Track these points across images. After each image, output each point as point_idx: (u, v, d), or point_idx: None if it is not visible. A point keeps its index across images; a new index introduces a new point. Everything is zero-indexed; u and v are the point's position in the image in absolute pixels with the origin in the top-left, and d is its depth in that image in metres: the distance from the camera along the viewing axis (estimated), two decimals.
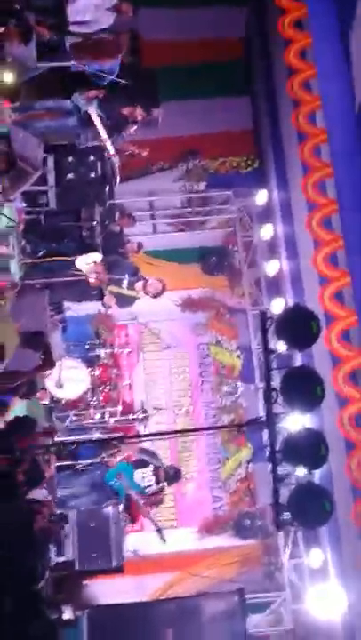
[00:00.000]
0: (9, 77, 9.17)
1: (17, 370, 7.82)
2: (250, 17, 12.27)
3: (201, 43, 12.19)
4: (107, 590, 10.75)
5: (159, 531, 9.94)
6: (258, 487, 10.41)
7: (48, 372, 9.38)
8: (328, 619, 9.54)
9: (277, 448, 6.65)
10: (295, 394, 6.35)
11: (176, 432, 11.37)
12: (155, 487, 9.90)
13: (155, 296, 10.33)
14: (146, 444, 10.46)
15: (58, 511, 9.92)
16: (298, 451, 6.37)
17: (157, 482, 9.89)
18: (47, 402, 10.54)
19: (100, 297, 10.33)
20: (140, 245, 11.13)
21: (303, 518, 6.52)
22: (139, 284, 10.28)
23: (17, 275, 9.56)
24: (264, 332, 6.79)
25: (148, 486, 9.87)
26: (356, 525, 8.79)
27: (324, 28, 9.16)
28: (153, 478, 9.87)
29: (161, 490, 9.95)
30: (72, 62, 10.27)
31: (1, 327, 7.77)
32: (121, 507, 9.92)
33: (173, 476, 10.22)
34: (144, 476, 9.83)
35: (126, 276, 10.31)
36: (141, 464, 10.02)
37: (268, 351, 6.82)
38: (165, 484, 10.08)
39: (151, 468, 9.93)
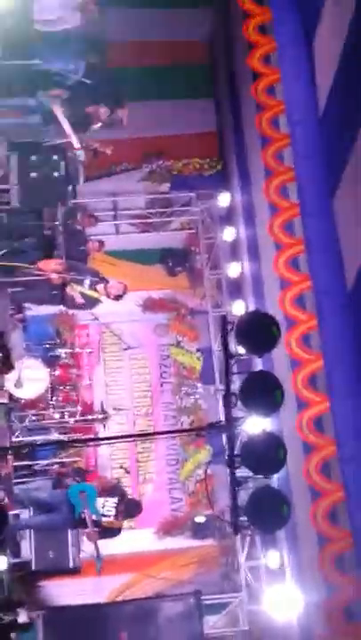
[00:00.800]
0: None
1: None
2: (215, 20, 12.31)
3: (166, 44, 12.24)
4: (63, 591, 10.72)
5: (98, 557, 9.77)
6: (216, 489, 10.41)
7: (5, 374, 9.32)
8: (285, 620, 9.59)
9: (236, 452, 6.67)
10: (255, 398, 6.36)
11: (136, 435, 11.37)
12: (112, 519, 9.77)
13: (116, 298, 10.32)
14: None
15: (15, 511, 9.89)
16: (256, 455, 6.39)
17: (116, 516, 9.77)
18: (6, 401, 10.46)
19: (62, 299, 10.29)
20: (101, 244, 11.12)
21: (261, 523, 6.54)
22: (100, 286, 10.26)
23: None
24: (224, 336, 6.81)
25: (106, 516, 9.75)
26: (314, 527, 8.85)
27: (288, 33, 9.20)
28: (113, 511, 9.79)
29: (118, 527, 9.83)
30: (36, 60, 10.25)
31: None
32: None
33: (133, 511, 10.10)
34: (105, 505, 9.73)
35: (88, 277, 10.29)
36: (105, 493, 9.91)
37: (228, 355, 6.84)
38: (123, 520, 9.96)
39: (115, 500, 9.81)
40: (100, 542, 9.53)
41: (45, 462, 10.87)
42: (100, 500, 9.60)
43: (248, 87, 10.31)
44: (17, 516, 9.81)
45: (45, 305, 11.03)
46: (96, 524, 9.44)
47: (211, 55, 12.66)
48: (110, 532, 9.73)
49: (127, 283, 10.54)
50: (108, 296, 10.25)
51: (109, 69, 11.46)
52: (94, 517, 9.45)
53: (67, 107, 10.45)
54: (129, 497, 10.11)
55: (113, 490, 10.00)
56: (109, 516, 9.60)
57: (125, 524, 10.41)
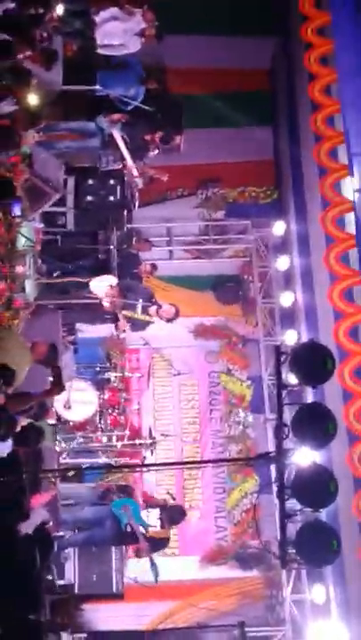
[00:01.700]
0: (33, 100, 9.18)
1: (27, 393, 7.77)
2: (277, 49, 12.31)
3: (226, 71, 12.23)
4: (105, 616, 10.67)
5: (153, 565, 9.80)
6: (262, 520, 10.30)
7: (56, 396, 9.34)
8: None
9: (286, 484, 6.59)
10: (307, 431, 6.28)
11: (184, 463, 11.31)
12: (158, 529, 9.82)
13: (168, 320, 10.32)
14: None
15: (60, 533, 9.88)
16: (308, 487, 6.30)
17: (162, 525, 9.81)
18: (53, 421, 10.49)
19: (114, 320, 10.33)
20: (154, 267, 11.15)
21: (310, 557, 6.43)
22: (152, 309, 10.27)
23: (32, 295, 9.57)
24: (278, 366, 6.75)
25: (151, 526, 9.79)
26: None
27: (349, 65, 9.21)
28: (158, 522, 9.83)
29: (166, 536, 9.87)
30: (97, 86, 10.37)
31: (15, 352, 7.72)
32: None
33: (177, 517, 10.11)
34: (148, 517, 9.78)
35: (140, 300, 10.31)
36: (148, 506, 9.95)
37: (281, 386, 6.77)
38: (170, 529, 9.99)
39: (157, 510, 9.86)
40: (145, 568, 9.52)
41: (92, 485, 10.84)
42: (142, 513, 9.63)
43: (307, 117, 10.31)
44: (61, 537, 9.80)
45: (98, 325, 11.05)
46: (143, 535, 9.45)
47: (271, 83, 12.65)
48: (159, 542, 9.81)
49: (180, 307, 10.53)
50: (161, 319, 10.26)
51: (168, 95, 11.52)
52: (141, 529, 9.47)
53: (125, 132, 10.54)
54: (170, 504, 10.07)
55: (154, 502, 9.97)
56: (155, 526, 9.62)
57: (168, 551, 10.43)
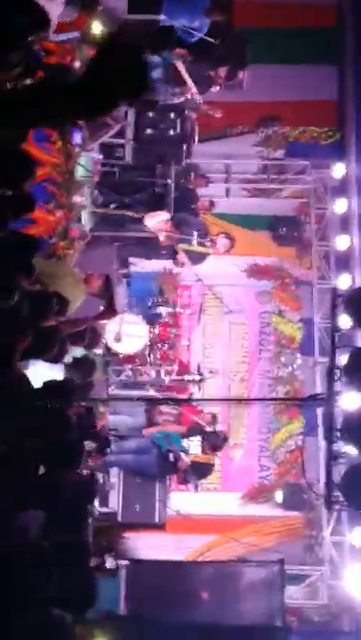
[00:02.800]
0: (98, 28, 9.07)
1: (78, 317, 7.79)
2: None
3: (293, 6, 11.92)
4: (146, 545, 10.87)
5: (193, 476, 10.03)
6: (307, 461, 10.35)
7: (108, 320, 9.37)
8: None
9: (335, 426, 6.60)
10: (360, 374, 6.27)
11: (232, 399, 11.39)
12: (200, 454, 9.97)
13: (226, 251, 10.29)
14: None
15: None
16: (356, 430, 6.31)
17: (203, 451, 9.96)
18: (101, 352, 10.57)
19: (172, 255, 10.33)
20: (211, 203, 11.11)
21: (355, 499, 6.47)
22: (208, 240, 10.28)
23: (87, 225, 9.58)
24: (334, 308, 6.71)
25: (193, 453, 9.96)
26: None
27: None
28: (199, 448, 9.97)
29: (208, 461, 10.02)
30: (162, 16, 10.19)
31: (68, 284, 7.75)
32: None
33: (218, 443, 10.24)
34: (190, 445, 9.93)
35: (195, 233, 10.29)
36: (188, 434, 10.09)
37: (335, 328, 6.74)
38: (213, 456, 10.14)
39: (198, 438, 10.00)
40: (187, 500, 9.68)
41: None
42: (184, 442, 9.80)
43: None
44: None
45: (153, 259, 11.07)
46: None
47: (339, 20, 12.31)
48: (202, 467, 9.94)
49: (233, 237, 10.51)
50: (217, 250, 10.26)
51: (233, 29, 11.29)
52: (183, 455, 9.63)
53: (189, 65, 10.37)
54: (210, 430, 10.18)
55: (193, 431, 10.09)
56: (196, 453, 9.78)
57: (211, 485, 10.57)
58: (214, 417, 10.50)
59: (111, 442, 8.73)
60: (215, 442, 10.12)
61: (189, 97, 10.19)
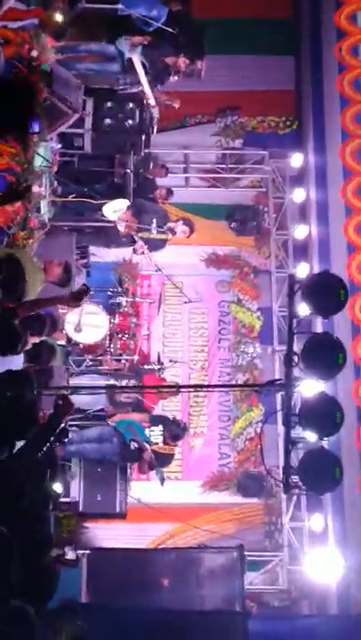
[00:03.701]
0: (58, 17, 9.03)
1: (39, 298, 7.75)
2: None
3: None
4: (107, 535, 10.91)
5: (158, 471, 10.08)
6: (265, 448, 10.45)
7: (71, 307, 9.31)
8: (324, 583, 9.65)
9: (293, 411, 6.68)
10: (317, 360, 6.33)
11: (191, 386, 11.44)
12: (161, 444, 10.02)
13: (186, 237, 10.37)
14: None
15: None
16: (314, 416, 6.38)
17: (165, 442, 10.02)
18: (64, 343, 10.56)
19: (130, 243, 10.35)
20: (169, 192, 11.15)
21: (313, 483, 6.54)
22: (167, 227, 10.32)
23: (46, 215, 9.55)
24: (291, 295, 6.78)
25: (155, 443, 10.01)
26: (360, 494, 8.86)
27: None
28: (160, 437, 10.02)
29: (170, 452, 10.09)
30: (119, 5, 10.17)
31: (27, 271, 7.74)
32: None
33: (179, 433, 10.29)
34: (152, 435, 9.99)
35: (154, 220, 10.32)
36: (150, 424, 10.13)
37: (292, 314, 6.81)
38: (174, 445, 10.20)
39: (160, 427, 10.06)
40: (148, 489, 9.72)
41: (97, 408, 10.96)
42: (146, 431, 9.85)
43: (332, 46, 10.14)
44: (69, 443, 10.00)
45: (113, 248, 11.08)
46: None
47: (295, 11, 12.40)
48: (163, 458, 10.02)
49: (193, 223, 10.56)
50: (175, 234, 10.31)
51: (191, 19, 11.30)
52: (145, 445, 9.69)
53: (146, 55, 10.37)
54: (171, 420, 10.25)
55: (155, 419, 10.19)
56: (158, 443, 9.82)
57: (172, 475, 10.62)
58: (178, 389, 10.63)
59: (69, 431, 8.70)
60: (176, 431, 10.18)
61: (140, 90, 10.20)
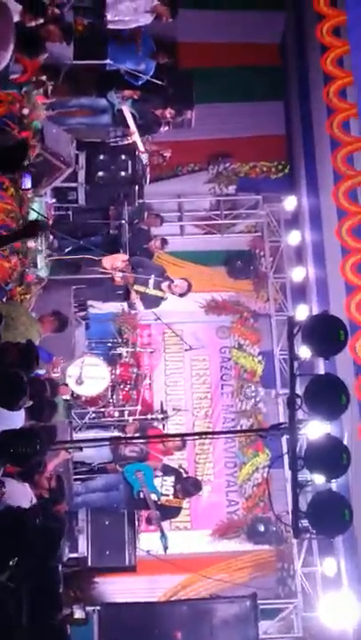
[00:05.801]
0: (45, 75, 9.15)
1: None
2: (287, 22, 12.23)
3: (237, 46, 12.16)
4: (118, 589, 10.76)
5: (163, 536, 9.89)
6: (274, 493, 10.35)
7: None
8: (340, 628, 9.48)
9: (299, 454, 6.61)
10: (320, 401, 6.29)
11: (195, 434, 11.36)
12: (171, 497, 9.89)
13: (181, 295, 10.38)
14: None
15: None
16: (321, 458, 6.33)
17: (175, 495, 9.90)
18: (68, 397, 10.53)
19: (126, 297, 10.36)
20: (164, 241, 11.18)
21: (322, 526, 6.46)
22: (165, 284, 10.31)
23: (43, 270, 9.58)
24: (291, 337, 6.76)
25: (164, 495, 9.87)
26: None
27: None
28: (171, 490, 9.90)
29: (178, 505, 9.96)
30: (108, 61, 10.32)
31: (24, 326, 7.79)
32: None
33: (192, 489, 10.18)
34: (162, 485, 9.85)
35: (152, 276, 10.34)
36: (163, 472, 10.02)
37: (293, 356, 6.79)
38: (183, 500, 10.08)
39: (172, 479, 9.94)
40: (157, 540, 9.59)
41: (102, 461, 10.88)
42: (157, 480, 9.70)
43: (319, 90, 10.22)
44: (76, 495, 9.87)
45: (110, 302, 11.10)
46: (155, 503, 9.52)
47: (282, 57, 12.57)
48: (170, 511, 9.85)
49: (191, 283, 10.55)
50: (173, 294, 10.29)
51: (179, 70, 11.47)
52: (153, 497, 9.54)
53: (136, 107, 10.51)
54: (186, 475, 10.14)
55: (169, 470, 10.04)
56: (168, 495, 9.69)
57: (181, 525, 10.49)
58: (184, 443, 10.52)
59: (64, 486, 8.59)
60: (190, 490, 10.07)
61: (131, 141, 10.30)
